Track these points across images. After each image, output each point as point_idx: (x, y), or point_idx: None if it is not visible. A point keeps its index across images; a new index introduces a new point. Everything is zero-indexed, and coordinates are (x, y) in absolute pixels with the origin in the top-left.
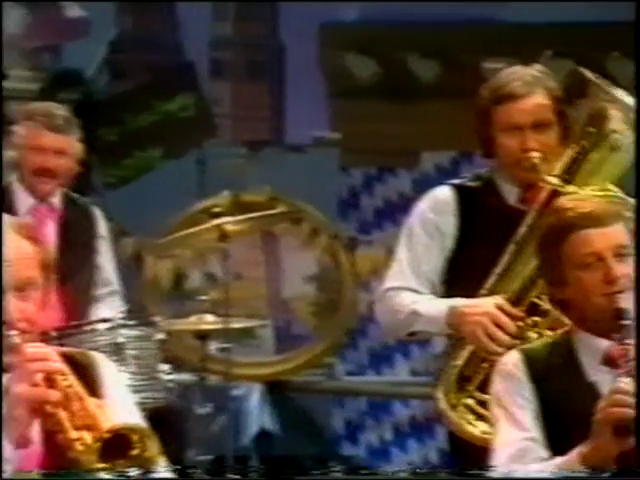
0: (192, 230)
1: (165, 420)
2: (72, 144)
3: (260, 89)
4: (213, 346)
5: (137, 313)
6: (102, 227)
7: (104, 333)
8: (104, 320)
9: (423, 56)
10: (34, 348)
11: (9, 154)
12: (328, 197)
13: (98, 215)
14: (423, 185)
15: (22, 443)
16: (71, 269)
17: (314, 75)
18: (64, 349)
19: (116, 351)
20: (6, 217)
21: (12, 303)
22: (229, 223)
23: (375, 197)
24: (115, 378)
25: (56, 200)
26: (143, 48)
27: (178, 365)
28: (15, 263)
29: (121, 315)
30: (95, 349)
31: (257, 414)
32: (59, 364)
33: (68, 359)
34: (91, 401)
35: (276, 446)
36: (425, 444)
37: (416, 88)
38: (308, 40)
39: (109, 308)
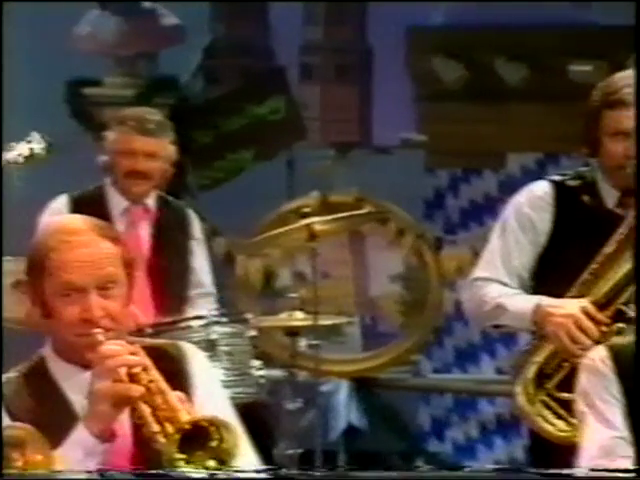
0: (282, 230)
1: (256, 415)
2: (164, 147)
3: (348, 92)
4: (302, 343)
5: (229, 310)
6: (197, 229)
7: (198, 330)
8: (198, 317)
9: (510, 59)
10: (114, 345)
11: (102, 158)
12: (414, 198)
13: (193, 217)
14: (508, 186)
15: (107, 437)
16: (165, 269)
17: (401, 78)
18: (155, 341)
19: (209, 347)
20: (86, 219)
21: (95, 301)
22: (318, 223)
23: (461, 198)
24: (206, 370)
25: (150, 202)
26: (236, 54)
27: (268, 361)
28: (97, 262)
29: (214, 312)
30: None
31: (345, 410)
32: (140, 359)
33: (159, 351)
34: (173, 394)
35: (363, 441)
36: (511, 442)
37: (502, 91)
38: (396, 44)
39: (202, 308)
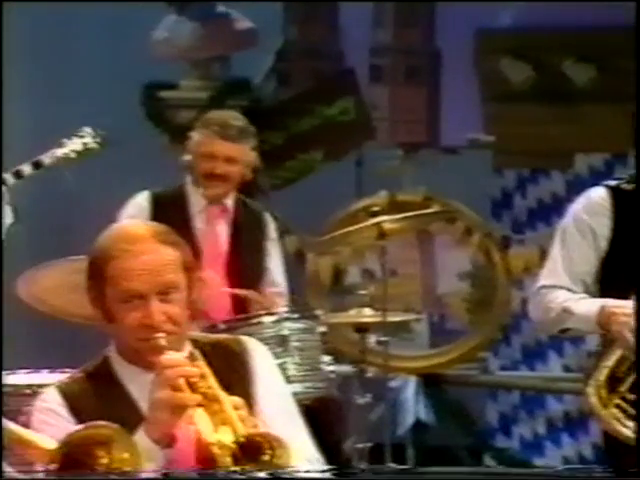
0: (352, 228)
1: (326, 409)
2: (244, 152)
3: (417, 93)
4: (372, 339)
5: (300, 307)
6: (272, 230)
7: (270, 326)
8: (270, 313)
9: (578, 60)
10: (171, 355)
11: (184, 157)
12: (482, 198)
13: (269, 219)
14: (576, 186)
15: (166, 443)
16: (241, 266)
17: (469, 79)
18: (217, 336)
19: (281, 343)
20: (147, 225)
21: (156, 307)
22: (387, 222)
23: (528, 198)
24: (268, 364)
25: (229, 202)
26: (307, 56)
27: (338, 357)
28: (158, 269)
29: (286, 309)
30: (261, 341)
31: (413, 405)
32: (196, 369)
33: (221, 346)
34: (229, 401)
35: (431, 436)
36: (579, 439)
37: (570, 91)
38: (464, 45)
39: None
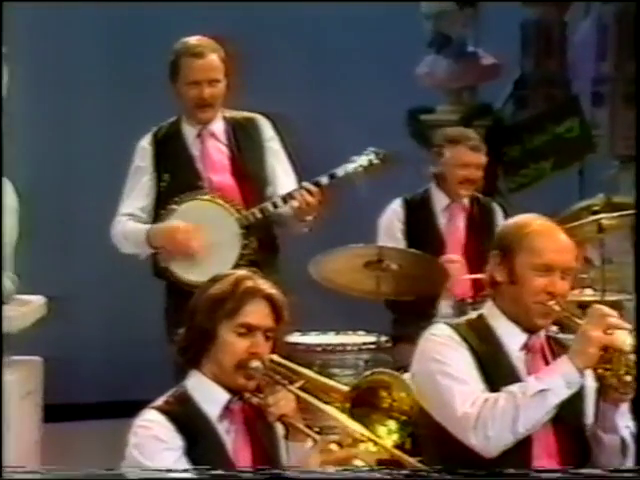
0: (575, 224)
1: None
2: (483, 159)
3: (633, 114)
4: None
5: None
6: (501, 219)
7: None
8: None
9: None
10: (604, 309)
11: (433, 168)
12: None
13: (497, 209)
14: None
15: (583, 374)
16: (480, 253)
17: None
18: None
19: None
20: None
21: (558, 279)
22: (605, 219)
23: None
24: None
25: (465, 200)
26: (541, 84)
27: (564, 328)
28: (567, 251)
29: None
30: None
31: None
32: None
33: None
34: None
35: None
36: None
37: None
38: None
39: None
